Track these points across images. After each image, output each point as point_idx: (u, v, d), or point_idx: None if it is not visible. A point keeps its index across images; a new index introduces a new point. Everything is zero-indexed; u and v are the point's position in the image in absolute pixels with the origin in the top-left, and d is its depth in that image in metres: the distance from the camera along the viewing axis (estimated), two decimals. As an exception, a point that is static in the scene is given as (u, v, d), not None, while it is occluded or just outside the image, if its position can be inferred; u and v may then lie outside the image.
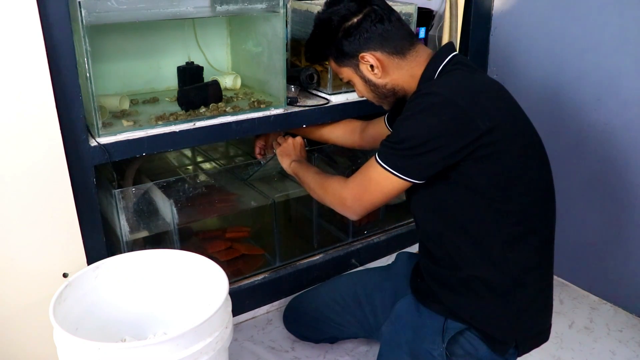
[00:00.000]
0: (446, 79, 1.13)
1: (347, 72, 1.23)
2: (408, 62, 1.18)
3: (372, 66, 1.18)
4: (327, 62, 1.29)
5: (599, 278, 1.78)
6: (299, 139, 1.53)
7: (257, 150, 1.67)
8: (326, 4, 1.20)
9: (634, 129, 1.57)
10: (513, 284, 1.13)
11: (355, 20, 1.15)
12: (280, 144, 1.54)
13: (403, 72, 1.18)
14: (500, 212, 1.10)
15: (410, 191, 1.17)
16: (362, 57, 1.17)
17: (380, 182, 1.10)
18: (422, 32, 1.84)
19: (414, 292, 1.32)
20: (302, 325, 1.56)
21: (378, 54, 1.16)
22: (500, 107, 1.10)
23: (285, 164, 1.48)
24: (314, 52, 1.27)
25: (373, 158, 1.11)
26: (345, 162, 1.85)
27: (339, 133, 1.62)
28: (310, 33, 1.24)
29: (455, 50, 1.19)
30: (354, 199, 1.15)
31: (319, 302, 1.49)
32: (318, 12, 1.21)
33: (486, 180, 1.07)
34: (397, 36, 1.16)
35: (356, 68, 1.21)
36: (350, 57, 1.19)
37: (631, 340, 1.60)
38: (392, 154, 1.07)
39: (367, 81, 1.21)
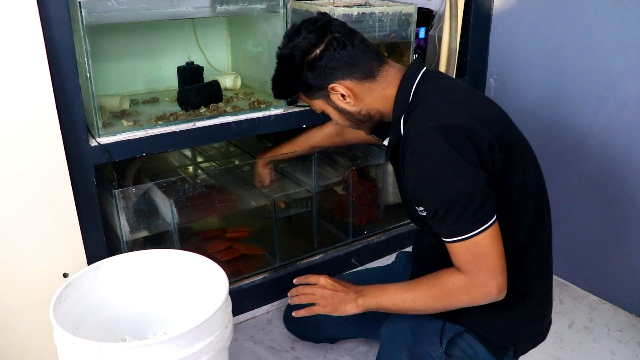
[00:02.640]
0: (429, 103, 1.08)
1: (319, 104, 1.19)
2: (379, 84, 1.13)
3: (343, 95, 1.13)
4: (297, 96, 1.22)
5: (599, 278, 1.78)
6: (322, 281, 1.26)
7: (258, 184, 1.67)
8: (285, 37, 1.15)
9: (634, 129, 1.57)
10: (515, 294, 1.12)
11: (317, 51, 1.10)
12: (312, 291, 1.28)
13: (376, 95, 1.14)
14: (510, 225, 1.09)
15: (411, 207, 1.14)
16: (332, 88, 1.12)
17: (482, 245, 1.02)
18: (422, 32, 1.84)
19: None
20: (302, 325, 1.55)
21: (347, 82, 1.12)
22: (493, 117, 1.08)
23: (351, 309, 1.21)
24: (281, 89, 1.21)
25: (452, 245, 1.04)
26: (345, 162, 1.85)
27: (317, 141, 1.60)
28: (275, 70, 1.18)
29: (424, 66, 1.16)
30: (489, 277, 1.03)
31: None
32: (279, 47, 1.16)
33: (500, 196, 1.05)
34: (364, 59, 1.11)
35: (327, 99, 1.16)
36: (319, 90, 1.14)
37: (631, 340, 1.60)
38: (460, 221, 1.01)
39: (340, 110, 1.17)
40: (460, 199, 1.00)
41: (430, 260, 1.19)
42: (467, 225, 1.01)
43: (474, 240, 1.01)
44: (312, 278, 1.29)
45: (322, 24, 1.11)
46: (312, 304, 1.26)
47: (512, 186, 1.07)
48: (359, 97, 1.14)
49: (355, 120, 1.18)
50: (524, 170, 1.10)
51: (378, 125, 1.21)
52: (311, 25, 1.11)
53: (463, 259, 1.04)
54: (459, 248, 1.04)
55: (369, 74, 1.12)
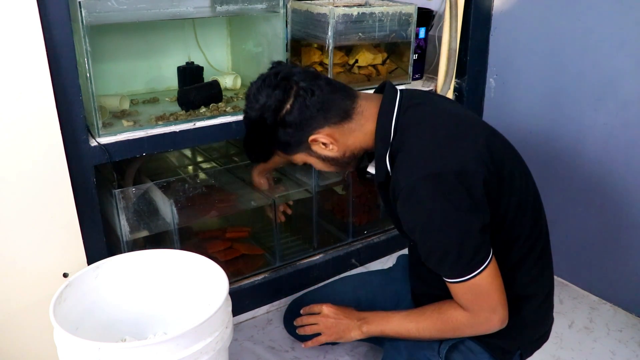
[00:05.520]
0: (414, 146, 1.04)
1: (300, 158, 1.15)
2: (357, 122, 1.09)
3: (324, 143, 1.09)
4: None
5: (599, 278, 1.78)
6: (325, 310, 1.30)
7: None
8: (248, 99, 1.09)
9: (633, 129, 1.57)
10: (517, 299, 1.12)
11: (287, 106, 1.05)
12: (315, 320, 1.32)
13: (356, 134, 1.10)
14: (508, 240, 1.09)
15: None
16: (313, 140, 1.08)
17: (482, 285, 1.02)
18: (422, 32, 1.84)
19: (413, 298, 1.32)
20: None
21: (326, 130, 1.07)
22: (480, 143, 1.05)
23: (355, 335, 1.25)
24: (258, 154, 1.16)
25: (451, 285, 1.05)
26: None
27: None
28: (246, 135, 1.14)
29: (397, 90, 1.13)
30: (491, 313, 1.05)
31: None
32: (246, 112, 1.10)
33: (496, 218, 1.05)
34: (336, 100, 1.07)
35: (309, 151, 1.12)
36: (299, 145, 1.10)
37: (631, 340, 1.60)
38: (456, 267, 1.02)
39: (324, 159, 1.13)
40: (453, 250, 1.00)
41: (428, 274, 1.17)
42: (464, 270, 1.02)
43: (472, 282, 1.02)
44: (316, 307, 1.32)
45: (283, 75, 1.06)
46: (319, 334, 1.30)
47: (509, 207, 1.07)
48: (341, 140, 1.09)
49: (341, 163, 1.15)
50: (516, 186, 1.08)
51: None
52: (272, 79, 1.06)
53: (464, 298, 1.06)
54: (459, 289, 1.05)
55: (344, 115, 1.08)
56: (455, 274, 1.03)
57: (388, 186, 1.08)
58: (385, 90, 1.13)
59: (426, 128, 1.07)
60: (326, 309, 1.29)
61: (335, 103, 1.08)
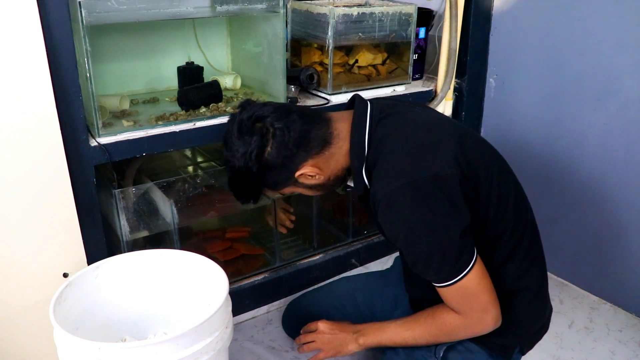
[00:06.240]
0: (389, 158, 1.06)
1: (288, 190, 1.18)
2: (336, 145, 1.11)
3: (310, 175, 1.11)
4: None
5: (599, 278, 1.78)
6: (321, 326, 1.31)
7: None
8: (228, 147, 1.10)
9: (634, 129, 1.57)
10: (509, 294, 1.13)
11: (269, 149, 1.07)
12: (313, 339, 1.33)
13: (337, 157, 1.12)
14: (493, 237, 1.10)
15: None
16: (300, 176, 1.11)
17: (470, 287, 1.03)
18: (422, 32, 1.84)
19: (410, 303, 1.32)
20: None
21: (310, 161, 1.09)
22: (452, 144, 1.06)
23: (353, 348, 1.25)
24: (248, 196, 1.18)
25: (440, 289, 1.06)
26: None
27: None
28: (232, 181, 1.15)
29: (366, 102, 1.14)
30: (483, 313, 1.06)
31: (317, 309, 1.48)
32: (228, 160, 1.11)
33: (477, 215, 1.05)
34: (313, 130, 1.09)
35: (296, 183, 1.14)
36: (286, 181, 1.13)
37: (631, 340, 1.60)
38: (441, 272, 1.03)
39: (311, 187, 1.16)
40: (436, 255, 1.01)
41: (421, 279, 1.17)
42: (450, 273, 1.03)
43: (460, 284, 1.03)
44: (312, 325, 1.34)
45: (256, 117, 1.07)
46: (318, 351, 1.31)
47: (489, 204, 1.08)
48: (324, 168, 1.12)
49: (327, 187, 1.17)
50: (494, 183, 1.09)
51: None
52: (246, 123, 1.07)
53: (454, 301, 1.07)
54: (448, 292, 1.06)
55: (324, 143, 1.10)
56: (441, 278, 1.04)
57: (368, 198, 1.09)
58: (356, 106, 1.14)
59: (399, 138, 1.08)
60: (322, 325, 1.31)
61: (313, 134, 1.09)
